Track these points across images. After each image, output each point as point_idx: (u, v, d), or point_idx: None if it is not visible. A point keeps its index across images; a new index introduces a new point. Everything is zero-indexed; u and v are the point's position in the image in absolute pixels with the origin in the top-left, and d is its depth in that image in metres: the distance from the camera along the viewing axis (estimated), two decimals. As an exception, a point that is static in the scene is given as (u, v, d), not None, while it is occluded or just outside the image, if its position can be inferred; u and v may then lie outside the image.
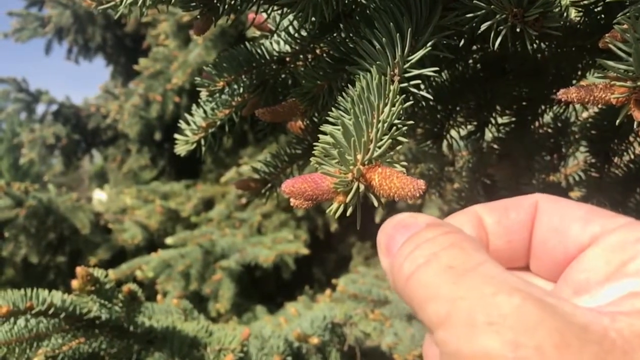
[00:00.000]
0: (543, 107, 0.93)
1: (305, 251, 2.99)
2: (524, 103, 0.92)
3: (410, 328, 1.61)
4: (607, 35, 0.45)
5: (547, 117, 0.99)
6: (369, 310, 1.69)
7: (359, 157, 0.42)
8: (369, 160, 0.42)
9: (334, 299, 1.97)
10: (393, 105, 0.45)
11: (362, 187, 0.41)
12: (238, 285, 2.87)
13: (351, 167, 0.41)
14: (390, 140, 0.42)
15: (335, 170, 0.42)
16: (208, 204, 3.80)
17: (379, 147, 0.42)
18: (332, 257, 3.66)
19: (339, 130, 0.44)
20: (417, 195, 0.38)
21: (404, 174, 0.40)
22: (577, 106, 0.93)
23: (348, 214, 0.42)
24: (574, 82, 0.86)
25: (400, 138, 0.44)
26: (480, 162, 1.07)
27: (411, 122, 0.45)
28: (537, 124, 0.97)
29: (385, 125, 0.43)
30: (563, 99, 0.44)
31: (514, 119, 0.95)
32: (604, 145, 0.96)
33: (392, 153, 0.43)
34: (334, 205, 0.42)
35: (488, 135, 0.98)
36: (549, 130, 1.01)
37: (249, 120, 0.83)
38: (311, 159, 0.45)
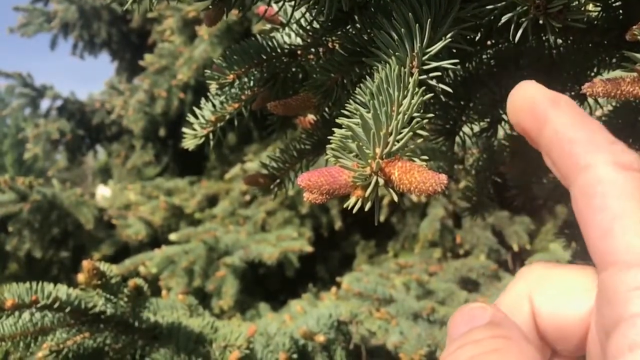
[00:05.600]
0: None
1: (309, 249, 2.98)
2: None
3: (416, 327, 1.60)
4: (634, 27, 0.43)
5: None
6: (374, 309, 1.68)
7: (378, 150, 0.41)
8: (388, 154, 0.41)
9: (339, 297, 1.96)
10: (413, 97, 0.43)
11: (381, 182, 0.40)
12: (241, 283, 2.87)
13: (370, 160, 0.40)
14: (410, 133, 0.41)
15: (353, 163, 0.41)
16: (212, 200, 3.80)
17: (399, 141, 0.41)
18: (335, 255, 3.65)
19: (357, 123, 0.43)
20: (439, 190, 0.37)
21: (425, 167, 0.39)
22: (592, 104, 0.92)
23: (366, 208, 0.41)
24: (588, 79, 0.84)
25: (419, 131, 0.43)
26: (491, 160, 1.05)
27: (431, 115, 0.44)
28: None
29: (406, 117, 0.42)
30: (588, 93, 0.43)
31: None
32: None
33: (411, 146, 0.42)
34: (352, 200, 0.41)
35: (500, 133, 0.96)
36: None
37: (254, 117, 0.82)
38: (327, 152, 0.44)
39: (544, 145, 0.28)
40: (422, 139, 0.42)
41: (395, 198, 0.40)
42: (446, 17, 0.50)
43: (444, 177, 0.37)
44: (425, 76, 0.47)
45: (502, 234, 3.10)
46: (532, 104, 0.28)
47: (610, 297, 0.23)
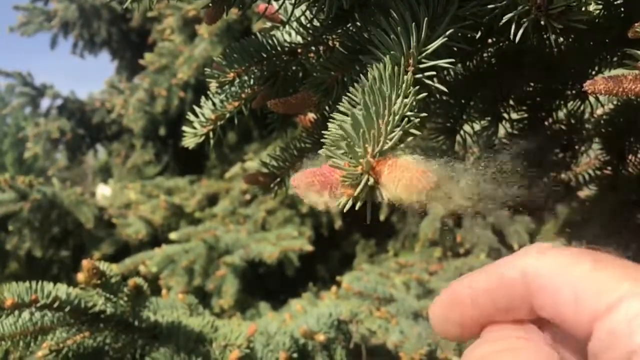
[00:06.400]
0: (557, 102, 0.91)
1: (309, 248, 2.97)
2: (538, 99, 0.90)
3: (417, 326, 1.60)
4: (636, 24, 0.43)
5: (561, 114, 0.98)
6: (374, 308, 1.68)
7: (369, 149, 0.40)
8: (379, 153, 0.40)
9: (339, 296, 1.96)
10: (406, 96, 0.43)
11: (372, 181, 0.39)
12: (242, 282, 2.87)
13: (360, 159, 0.40)
14: (401, 133, 0.41)
15: (344, 162, 0.41)
16: (212, 199, 3.79)
17: (389, 140, 0.41)
18: (336, 255, 3.65)
19: (348, 121, 0.42)
20: (426, 187, 0.37)
21: (415, 165, 0.38)
22: (593, 102, 0.91)
23: (357, 207, 0.40)
24: (589, 77, 0.84)
25: (412, 130, 0.43)
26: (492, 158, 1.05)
27: (424, 114, 0.44)
28: (550, 120, 0.95)
29: (397, 117, 0.41)
30: (589, 91, 0.42)
31: (527, 114, 0.94)
32: (619, 142, 0.95)
33: (402, 146, 0.42)
34: (343, 199, 0.41)
35: (501, 131, 0.96)
36: (562, 127, 0.99)
37: (254, 116, 0.82)
38: (320, 151, 0.43)
39: (486, 315, 0.29)
40: (411, 138, 0.42)
41: (383, 199, 0.39)
42: (444, 15, 0.49)
43: (432, 177, 0.36)
44: (421, 75, 0.47)
45: (502, 233, 3.10)
46: (452, 302, 0.30)
47: (610, 341, 0.24)
